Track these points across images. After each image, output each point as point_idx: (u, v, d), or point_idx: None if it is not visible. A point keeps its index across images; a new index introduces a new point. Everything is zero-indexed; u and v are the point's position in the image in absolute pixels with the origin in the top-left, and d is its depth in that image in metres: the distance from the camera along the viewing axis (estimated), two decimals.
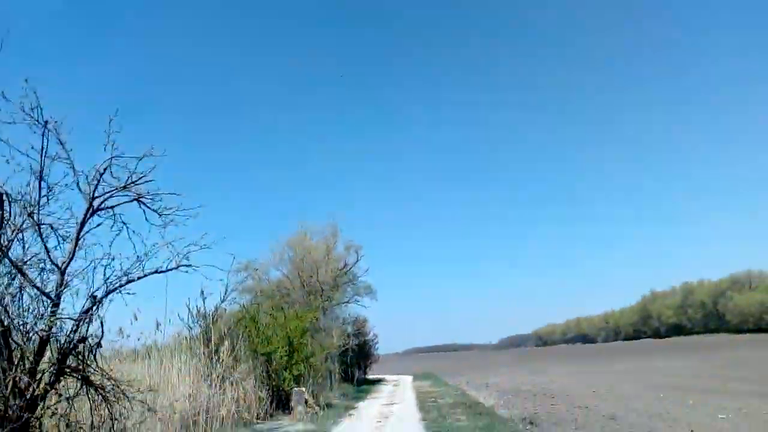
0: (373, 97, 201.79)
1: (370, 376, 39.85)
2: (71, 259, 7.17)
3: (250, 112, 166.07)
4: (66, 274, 7.10)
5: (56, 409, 7.15)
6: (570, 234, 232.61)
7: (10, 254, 6.77)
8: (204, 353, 12.71)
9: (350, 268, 30.58)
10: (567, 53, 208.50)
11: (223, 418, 11.20)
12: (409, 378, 41.44)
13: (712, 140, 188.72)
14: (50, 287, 7.03)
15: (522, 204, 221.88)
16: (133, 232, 7.80)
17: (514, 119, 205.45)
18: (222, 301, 14.66)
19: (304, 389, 15.84)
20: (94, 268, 7.43)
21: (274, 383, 16.05)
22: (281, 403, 15.98)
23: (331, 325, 26.60)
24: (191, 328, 13.88)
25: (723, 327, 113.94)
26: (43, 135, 6.95)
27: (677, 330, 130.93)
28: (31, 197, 6.95)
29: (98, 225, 7.65)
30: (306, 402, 15.53)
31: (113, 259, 7.57)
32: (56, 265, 7.07)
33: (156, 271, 7.95)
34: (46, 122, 6.93)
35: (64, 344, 7.07)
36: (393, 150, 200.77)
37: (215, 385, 11.98)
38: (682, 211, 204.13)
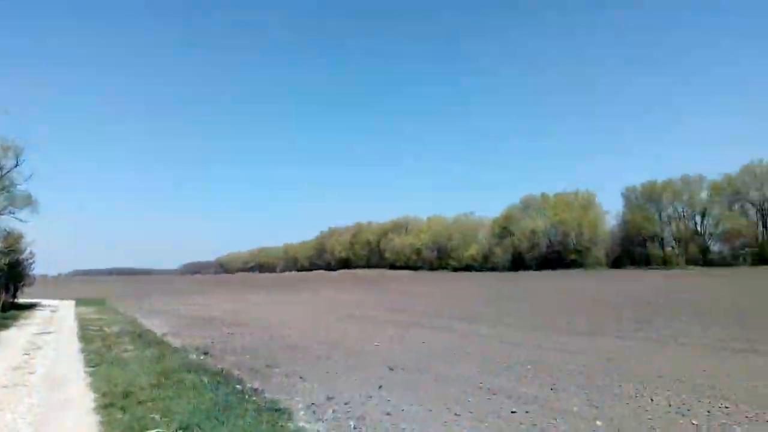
0: None
1: (22, 301, 34.70)
2: None
3: None
4: None
5: None
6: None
7: None
8: None
9: (6, 173, 25.50)
10: None
11: None
12: (73, 303, 37.30)
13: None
14: None
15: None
16: None
17: None
18: None
19: None
20: None
21: None
22: None
23: None
24: None
25: (382, 263, 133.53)
26: None
27: (345, 263, 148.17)
28: None
29: None
30: None
31: None
32: None
33: None
34: None
35: None
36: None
37: None
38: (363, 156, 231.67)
